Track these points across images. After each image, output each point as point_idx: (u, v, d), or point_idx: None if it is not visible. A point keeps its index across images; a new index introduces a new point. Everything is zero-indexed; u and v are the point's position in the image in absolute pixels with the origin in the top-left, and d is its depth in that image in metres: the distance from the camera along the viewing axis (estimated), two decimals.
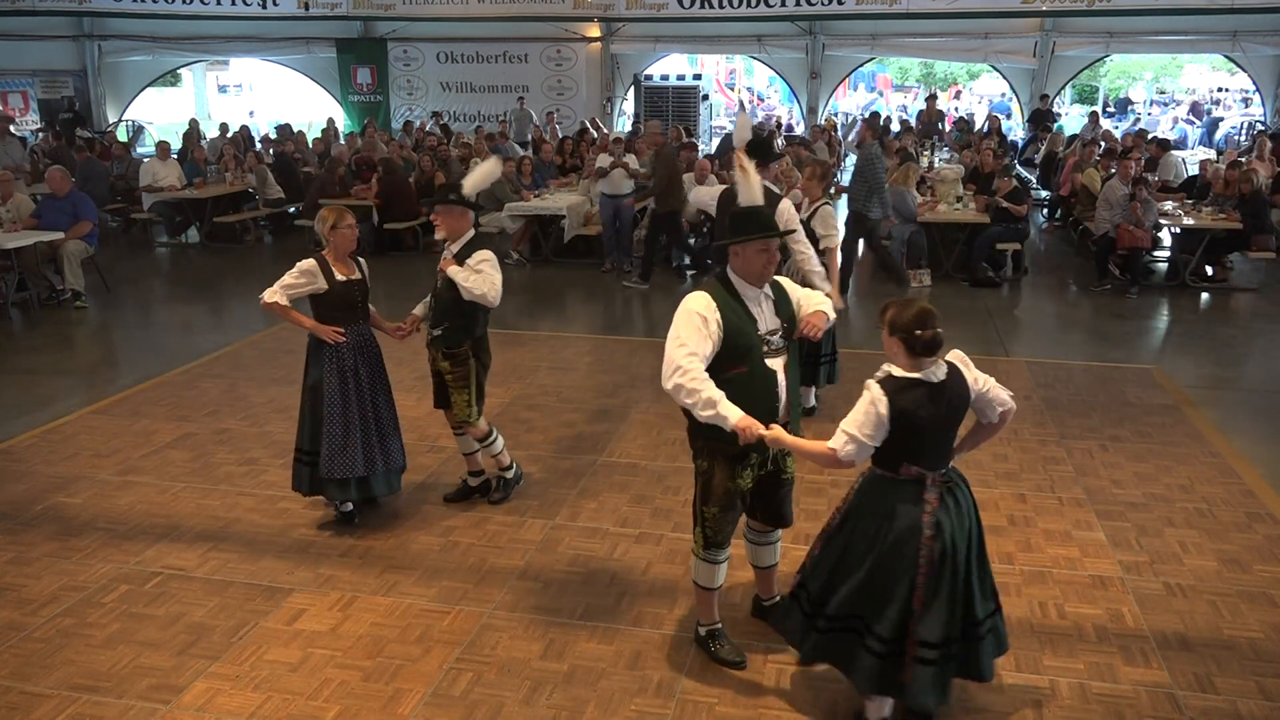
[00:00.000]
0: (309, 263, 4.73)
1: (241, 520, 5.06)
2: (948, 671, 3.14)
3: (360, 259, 4.93)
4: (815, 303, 3.63)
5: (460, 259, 4.72)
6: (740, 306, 3.44)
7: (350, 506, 5.01)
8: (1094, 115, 16.42)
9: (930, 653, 3.07)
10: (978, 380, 3.15)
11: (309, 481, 4.89)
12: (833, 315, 3.64)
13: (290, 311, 4.69)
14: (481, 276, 4.64)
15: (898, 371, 3.04)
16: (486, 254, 4.72)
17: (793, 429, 3.70)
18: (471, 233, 4.87)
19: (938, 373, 3.04)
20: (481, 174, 4.88)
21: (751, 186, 3.68)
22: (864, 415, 3.01)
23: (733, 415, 3.18)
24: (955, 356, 3.13)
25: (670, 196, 10.11)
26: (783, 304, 3.56)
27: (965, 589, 3.13)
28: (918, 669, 3.08)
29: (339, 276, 4.75)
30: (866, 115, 18.16)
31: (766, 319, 3.48)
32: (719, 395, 3.23)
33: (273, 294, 4.65)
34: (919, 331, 2.97)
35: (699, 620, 3.89)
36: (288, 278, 4.68)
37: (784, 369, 3.51)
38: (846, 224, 9.50)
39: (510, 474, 5.27)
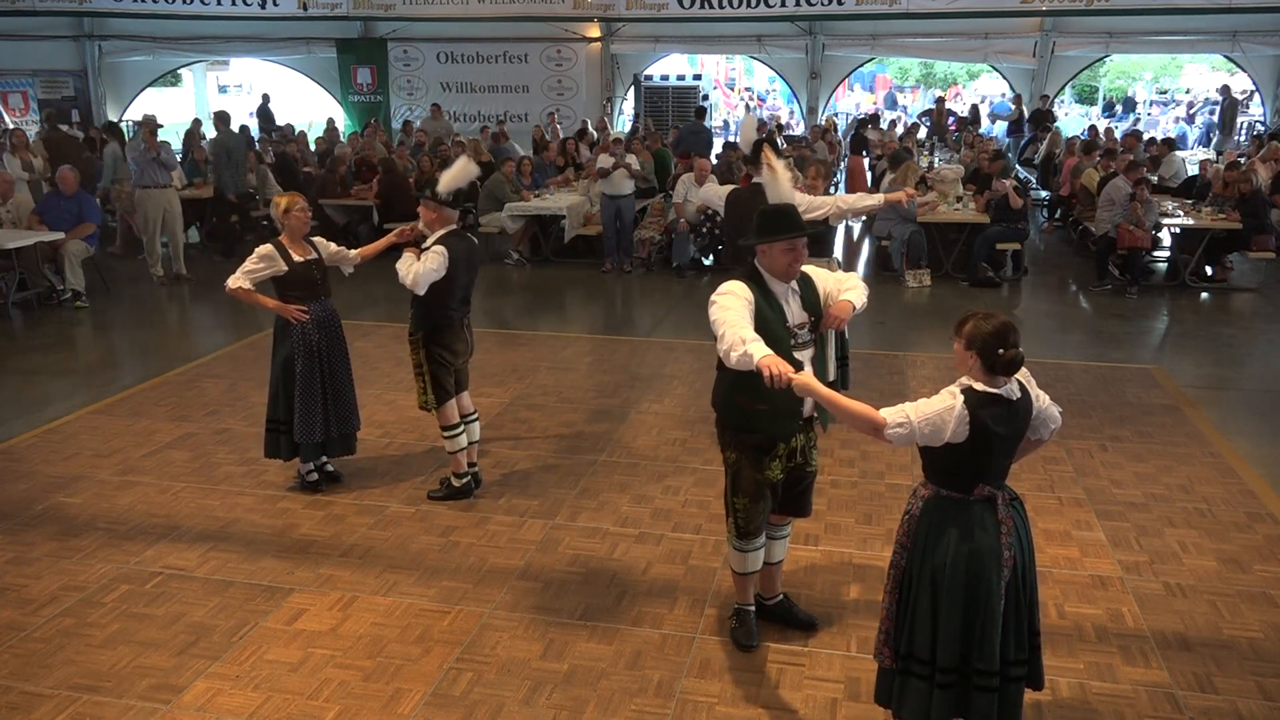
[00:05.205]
0: (266, 247, 5.07)
1: (241, 520, 5.06)
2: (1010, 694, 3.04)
3: (314, 239, 5.24)
4: (845, 289, 3.63)
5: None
6: (769, 299, 3.48)
7: (315, 477, 5.36)
8: (1093, 130, 16.37)
9: (992, 680, 2.99)
10: (1039, 397, 3.05)
11: (286, 447, 5.23)
12: (859, 305, 3.60)
13: (254, 294, 5.04)
14: (409, 260, 4.80)
15: (979, 386, 2.88)
16: (438, 246, 4.83)
17: (823, 422, 3.72)
18: (452, 227, 4.95)
19: (1014, 390, 2.93)
20: (456, 172, 4.91)
21: (781, 185, 3.68)
22: (935, 415, 2.85)
23: (757, 353, 3.08)
24: (1020, 373, 2.99)
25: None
26: (809, 296, 3.58)
27: (1030, 605, 3.06)
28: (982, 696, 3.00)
29: (296, 257, 5.09)
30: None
31: (794, 313, 3.53)
32: (750, 336, 3.18)
33: (236, 280, 5.00)
34: (1001, 350, 2.82)
35: (735, 600, 4.02)
36: (248, 263, 5.05)
37: (812, 362, 3.54)
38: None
39: (458, 482, 5.26)
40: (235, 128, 17.65)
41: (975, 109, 20.59)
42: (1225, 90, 19.51)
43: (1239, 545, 4.75)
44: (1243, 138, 18.91)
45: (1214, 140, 19.01)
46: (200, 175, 13.38)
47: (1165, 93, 29.22)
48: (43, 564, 4.61)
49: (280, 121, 19.58)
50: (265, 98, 20.82)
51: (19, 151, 11.95)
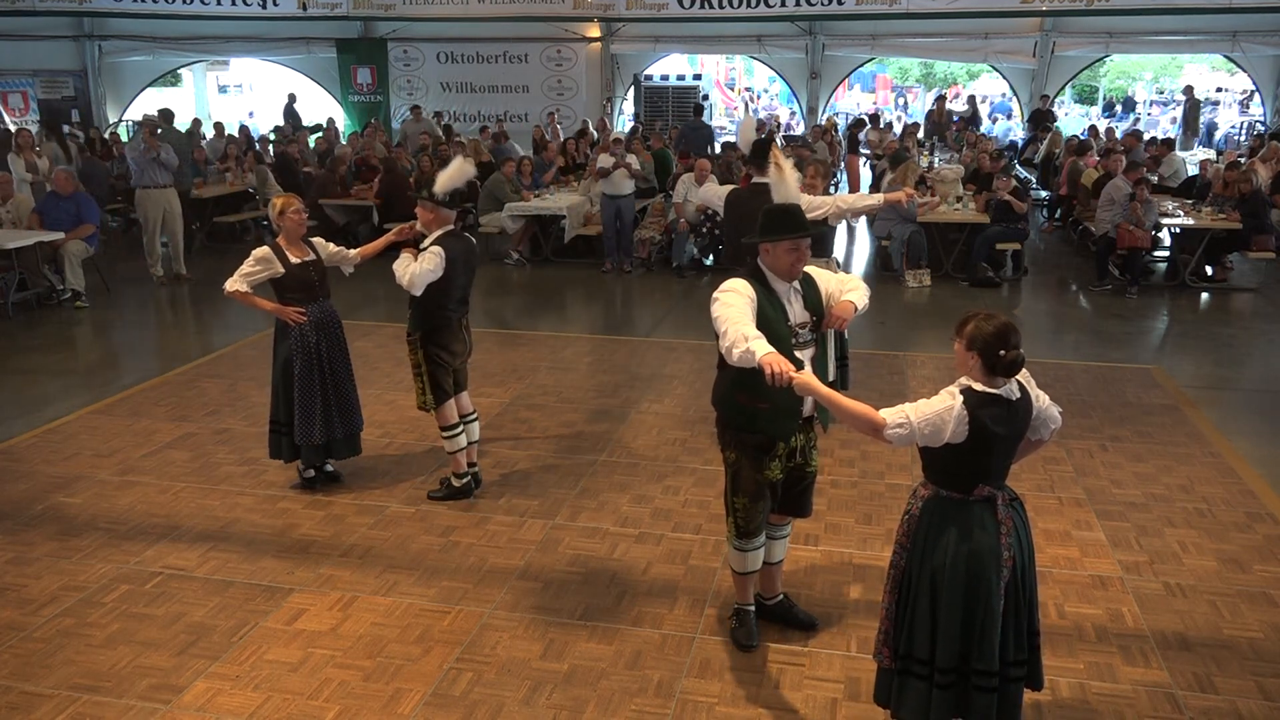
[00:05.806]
0: (263, 250, 5.08)
1: (241, 520, 5.06)
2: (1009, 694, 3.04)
3: (312, 240, 5.25)
4: (847, 290, 3.64)
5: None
6: (772, 298, 3.49)
7: (312, 473, 5.39)
8: (1093, 130, 16.38)
9: (992, 680, 2.99)
10: (1039, 397, 3.05)
11: (288, 449, 5.24)
12: (861, 306, 3.62)
13: (251, 296, 5.05)
14: (406, 260, 4.79)
15: (978, 386, 2.87)
16: (435, 247, 4.83)
17: (823, 422, 3.72)
18: (448, 227, 4.95)
19: (1014, 390, 2.92)
20: (452, 172, 4.91)
21: (787, 185, 3.69)
22: (935, 415, 2.85)
23: (760, 350, 3.08)
24: (1020, 373, 2.98)
25: None
26: (811, 296, 3.59)
27: (1029, 605, 3.06)
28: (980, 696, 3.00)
29: (293, 259, 5.10)
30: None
31: (796, 312, 3.54)
32: (753, 333, 3.19)
33: (234, 282, 5.02)
34: (1003, 352, 2.82)
35: (735, 600, 4.02)
36: (245, 266, 5.03)
37: (812, 361, 3.55)
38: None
39: (458, 482, 5.26)
40: (235, 126, 17.77)
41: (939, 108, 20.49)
42: (1188, 91, 19.61)
43: (1239, 545, 4.75)
44: (1243, 137, 18.88)
45: (1177, 141, 19.04)
46: (200, 175, 13.38)
47: (1164, 93, 29.22)
48: (43, 564, 4.61)
49: (308, 121, 19.61)
50: (291, 97, 20.82)
51: (23, 153, 11.95)
